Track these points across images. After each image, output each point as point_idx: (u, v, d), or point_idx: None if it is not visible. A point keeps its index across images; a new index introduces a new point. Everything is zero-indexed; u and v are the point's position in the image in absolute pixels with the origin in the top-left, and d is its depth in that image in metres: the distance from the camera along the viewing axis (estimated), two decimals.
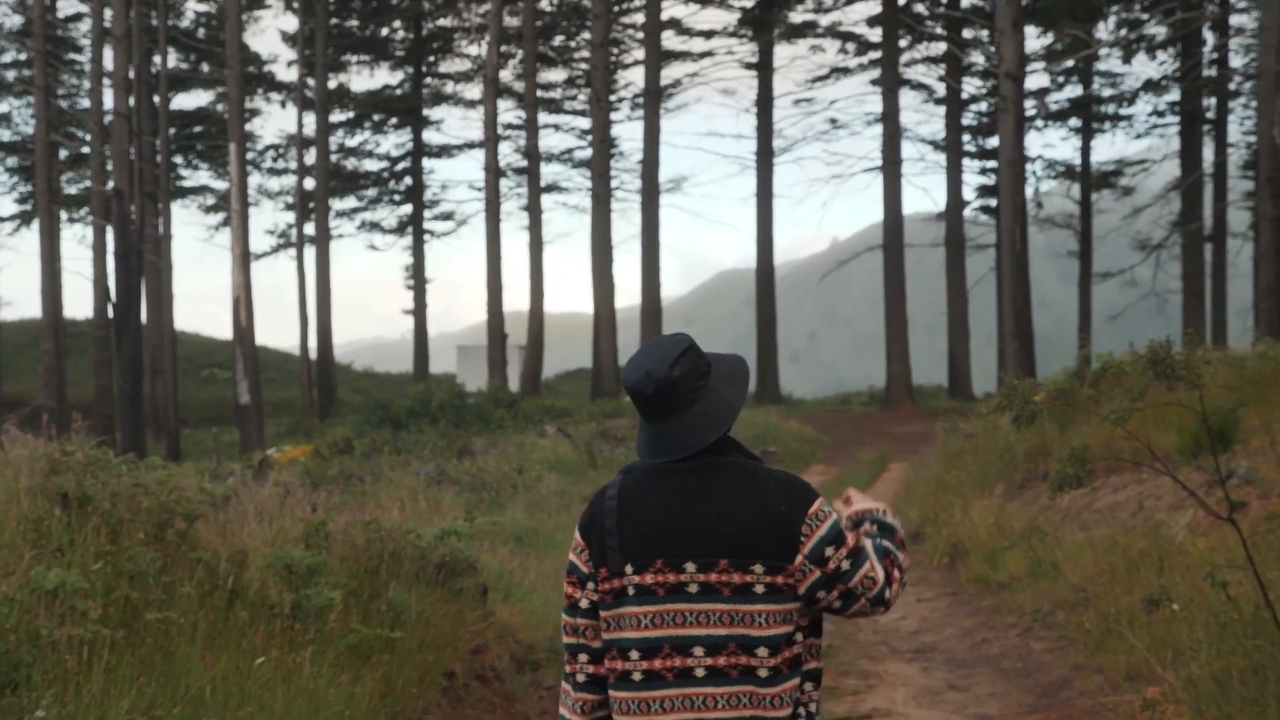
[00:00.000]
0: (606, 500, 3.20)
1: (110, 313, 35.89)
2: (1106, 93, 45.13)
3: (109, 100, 38.46)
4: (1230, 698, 5.84)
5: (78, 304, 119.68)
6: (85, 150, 43.40)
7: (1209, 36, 40.50)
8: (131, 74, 38.49)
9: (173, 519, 6.67)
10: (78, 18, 46.49)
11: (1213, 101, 42.19)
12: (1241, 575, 6.58)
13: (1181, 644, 7.16)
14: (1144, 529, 10.53)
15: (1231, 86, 41.24)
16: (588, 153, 46.31)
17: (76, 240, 56.51)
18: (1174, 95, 42.93)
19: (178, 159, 49.64)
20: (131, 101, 38.40)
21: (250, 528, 7.48)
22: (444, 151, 52.86)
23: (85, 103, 44.82)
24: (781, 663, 3.05)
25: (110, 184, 36.78)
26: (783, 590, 3.03)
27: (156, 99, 43.23)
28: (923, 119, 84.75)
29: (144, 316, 40.92)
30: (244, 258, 36.63)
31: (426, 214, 52.38)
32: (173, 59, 46.51)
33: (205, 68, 47.21)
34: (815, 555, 3.04)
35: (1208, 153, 42.15)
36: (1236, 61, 41.95)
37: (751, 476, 3.12)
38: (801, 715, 3.11)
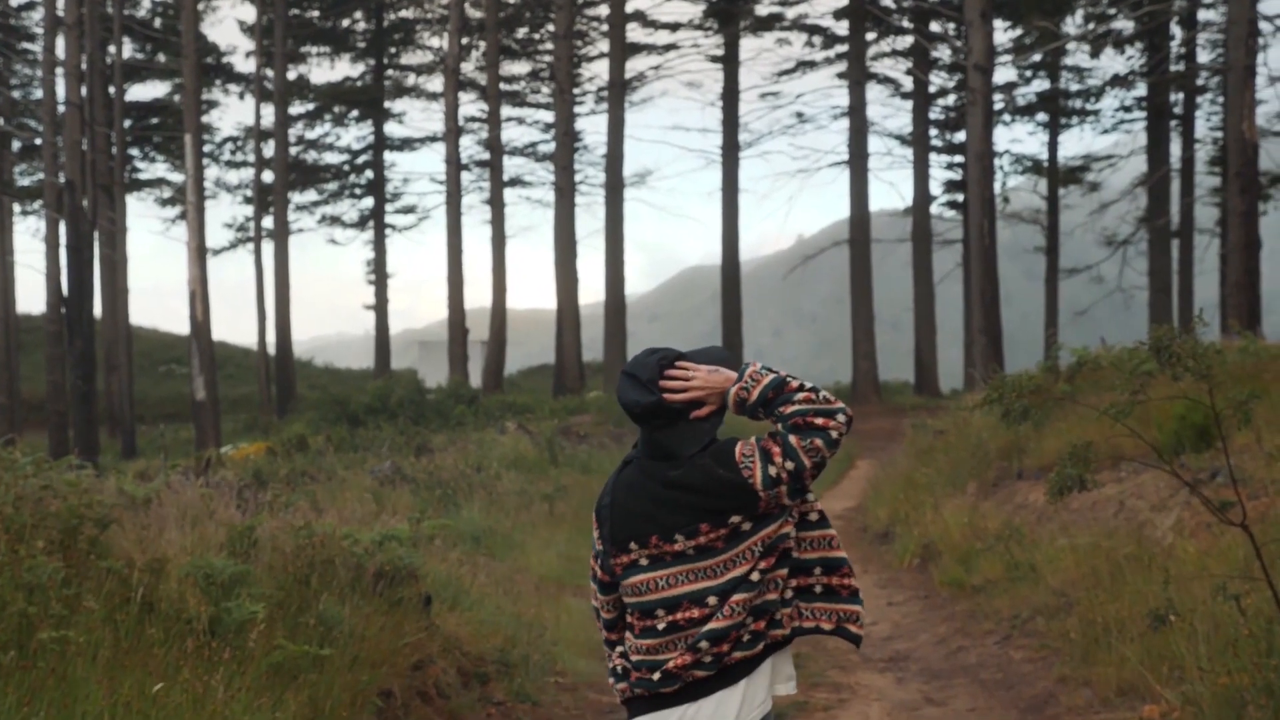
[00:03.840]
0: (603, 495, 3.76)
1: (63, 307, 35.12)
2: (1074, 88, 44.85)
3: (62, 90, 37.57)
4: None
5: (32, 299, 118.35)
6: (38, 141, 42.51)
7: (1176, 31, 40.24)
8: (84, 63, 37.63)
9: (83, 524, 6.08)
10: (31, 6, 45.56)
11: (1180, 97, 41.93)
12: (1249, 586, 6.09)
13: (1178, 658, 6.65)
14: (1127, 530, 10.04)
15: (1199, 82, 40.99)
16: (551, 146, 45.70)
17: (30, 233, 55.52)
18: (1141, 91, 42.66)
19: (134, 151, 48.77)
20: (84, 91, 37.53)
21: (171, 534, 6.87)
22: (406, 144, 52.07)
23: (39, 93, 43.91)
24: (775, 561, 3.55)
25: (62, 176, 35.93)
26: (770, 513, 3.53)
27: (112, 90, 42.39)
28: (889, 113, 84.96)
29: (99, 311, 40.18)
30: (200, 251, 35.90)
31: (388, 208, 51.59)
32: (129, 49, 45.63)
33: (162, 58, 46.32)
34: (767, 482, 3.48)
35: (1175, 148, 41.90)
36: (1204, 57, 41.76)
37: (699, 462, 3.56)
38: (779, 597, 3.60)
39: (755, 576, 3.50)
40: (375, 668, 6.56)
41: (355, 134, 52.36)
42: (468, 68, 46.15)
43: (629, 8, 41.81)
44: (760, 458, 3.49)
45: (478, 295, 44.34)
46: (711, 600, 3.51)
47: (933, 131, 44.96)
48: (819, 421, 3.48)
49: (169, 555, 6.34)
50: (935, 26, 41.96)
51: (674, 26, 45.15)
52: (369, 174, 51.84)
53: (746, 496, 3.48)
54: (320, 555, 7.10)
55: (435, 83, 49.79)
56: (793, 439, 3.48)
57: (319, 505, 10.75)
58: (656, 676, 3.56)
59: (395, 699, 6.71)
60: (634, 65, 44.78)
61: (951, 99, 45.01)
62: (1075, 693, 7.63)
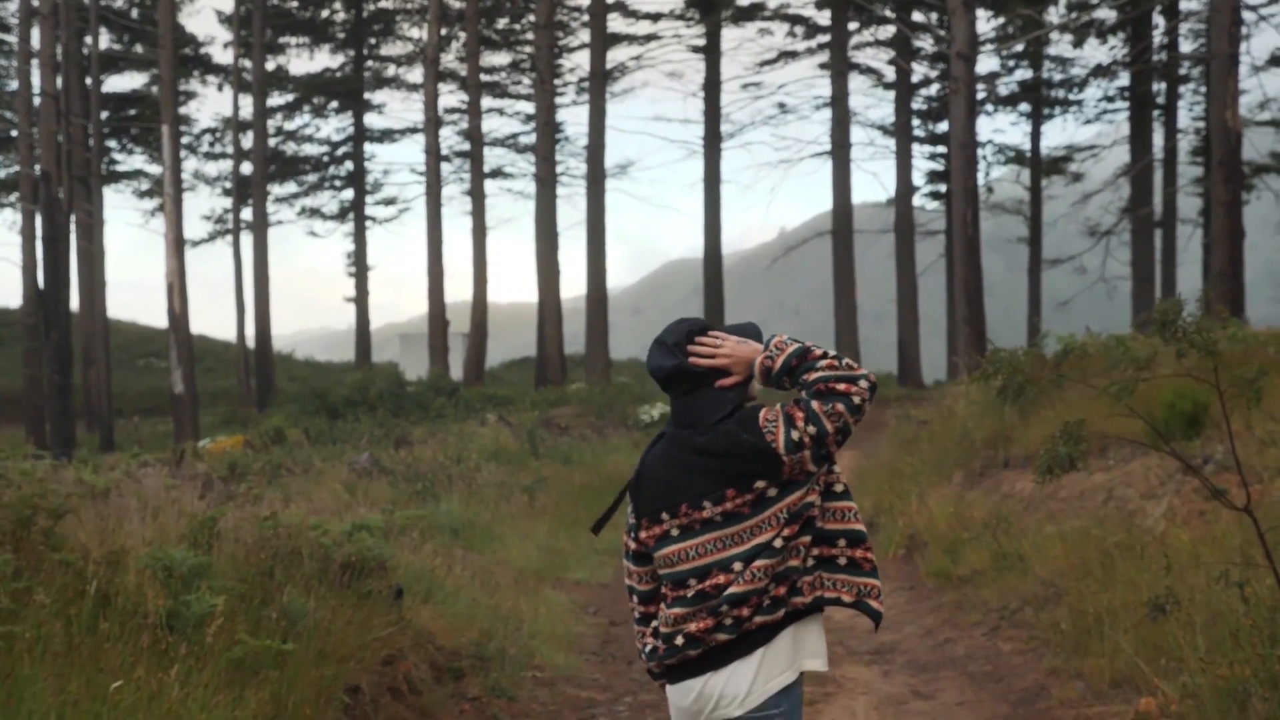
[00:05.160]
0: (636, 467, 3.88)
1: (40, 300, 34.74)
2: (1056, 78, 44.71)
3: (38, 81, 37.18)
4: (1249, 714, 5.11)
5: (9, 292, 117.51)
6: (13, 133, 42.06)
7: (1159, 21, 40.09)
8: (60, 54, 37.24)
9: (36, 515, 5.83)
10: None
11: (1162, 87, 41.79)
12: (1250, 573, 5.87)
13: (1174, 648, 6.43)
14: (1117, 519, 9.83)
15: (1181, 71, 40.86)
16: (532, 138, 45.37)
17: (6, 226, 54.90)
18: (1124, 80, 42.52)
19: (111, 143, 48.33)
20: (60, 82, 37.15)
21: (131, 525, 6.60)
22: (386, 136, 51.78)
23: (14, 84, 43.42)
24: (798, 528, 3.63)
25: (38, 167, 35.54)
26: (795, 479, 3.61)
27: (88, 80, 41.97)
28: (872, 103, 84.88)
29: (76, 304, 39.80)
30: (178, 243, 35.57)
31: (368, 199, 51.27)
32: (105, 40, 45.20)
33: (139, 49, 45.90)
34: (790, 446, 3.57)
35: (1157, 138, 41.77)
36: (1186, 46, 41.58)
37: (724, 428, 3.66)
38: (801, 564, 3.67)
39: (779, 543, 3.60)
40: (342, 663, 6.30)
41: (335, 125, 52.10)
42: (448, 59, 45.83)
43: None
44: (784, 422, 3.59)
45: (459, 289, 44.18)
46: (737, 566, 3.60)
47: (915, 122, 44.81)
48: (841, 387, 3.56)
49: (128, 547, 6.09)
50: (918, 16, 41.77)
51: (655, 17, 44.90)
52: (349, 165, 51.50)
53: (770, 461, 3.58)
54: (286, 546, 6.85)
55: (415, 74, 49.51)
56: (815, 404, 3.57)
57: (291, 497, 10.47)
58: (680, 641, 3.67)
59: (364, 695, 6.45)
60: (615, 55, 44.52)
61: (934, 89, 44.89)
62: (1067, 685, 7.41)
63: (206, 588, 5.81)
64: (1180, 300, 5.29)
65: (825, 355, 3.62)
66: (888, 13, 42.01)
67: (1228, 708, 5.32)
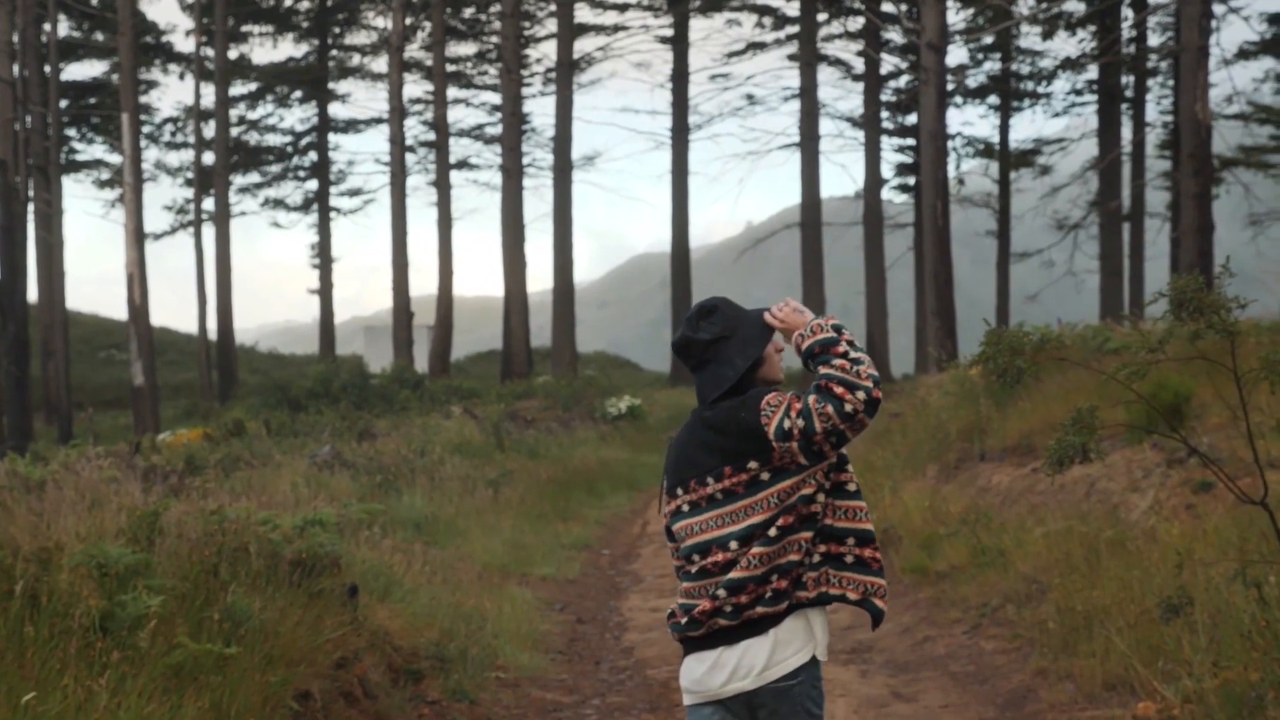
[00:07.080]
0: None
1: None
2: (1025, 70, 44.59)
3: None
4: None
5: None
6: None
7: (1128, 13, 39.99)
8: (17, 40, 36.60)
9: None
10: None
11: (1131, 80, 41.72)
12: (1265, 570, 5.55)
13: (1173, 649, 6.12)
14: (1101, 513, 9.53)
15: (1149, 64, 40.78)
16: (498, 129, 44.91)
17: None
18: (1092, 73, 42.42)
19: (71, 132, 47.62)
20: (17, 69, 36.52)
21: (67, 520, 6.20)
22: (350, 126, 51.23)
23: None
24: (795, 521, 3.66)
25: None
26: (786, 468, 3.65)
27: (47, 68, 41.28)
28: (840, 95, 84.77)
29: (35, 295, 39.15)
30: (138, 234, 35.04)
31: (333, 190, 50.73)
32: (65, 27, 44.47)
33: (99, 36, 45.21)
34: (780, 434, 3.62)
35: (1125, 132, 41.68)
36: (1154, 40, 41.53)
37: (727, 404, 3.78)
38: (805, 560, 3.70)
39: (774, 532, 3.64)
40: (291, 667, 5.91)
41: (299, 115, 51.56)
42: (413, 48, 45.32)
43: None
44: (782, 410, 3.64)
45: (425, 281, 43.80)
46: (733, 545, 3.68)
47: (884, 114, 44.61)
48: (838, 390, 3.58)
49: (61, 543, 5.69)
50: (888, 6, 41.55)
51: (623, 7, 44.54)
52: (313, 156, 50.94)
53: (761, 442, 3.64)
54: (232, 542, 6.45)
55: (380, 63, 48.96)
56: (812, 399, 3.61)
57: (245, 490, 10.05)
58: (685, 620, 3.76)
59: (314, 701, 6.05)
60: (582, 46, 44.19)
61: (903, 81, 44.67)
62: (1056, 687, 7.08)
63: (144, 587, 5.43)
64: (1197, 277, 4.96)
65: (845, 355, 3.64)
66: (857, 4, 41.78)
67: (1237, 713, 5.00)
